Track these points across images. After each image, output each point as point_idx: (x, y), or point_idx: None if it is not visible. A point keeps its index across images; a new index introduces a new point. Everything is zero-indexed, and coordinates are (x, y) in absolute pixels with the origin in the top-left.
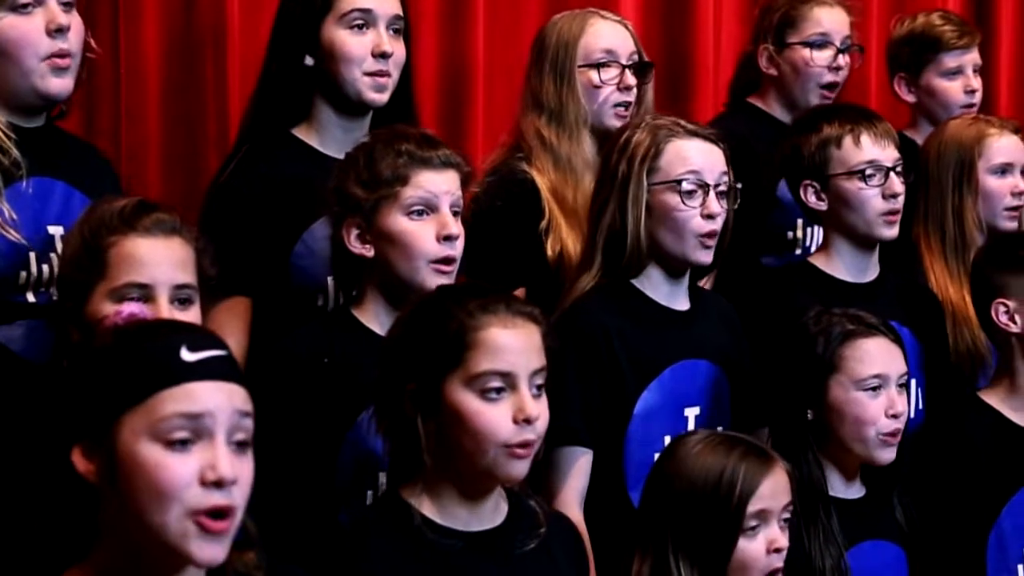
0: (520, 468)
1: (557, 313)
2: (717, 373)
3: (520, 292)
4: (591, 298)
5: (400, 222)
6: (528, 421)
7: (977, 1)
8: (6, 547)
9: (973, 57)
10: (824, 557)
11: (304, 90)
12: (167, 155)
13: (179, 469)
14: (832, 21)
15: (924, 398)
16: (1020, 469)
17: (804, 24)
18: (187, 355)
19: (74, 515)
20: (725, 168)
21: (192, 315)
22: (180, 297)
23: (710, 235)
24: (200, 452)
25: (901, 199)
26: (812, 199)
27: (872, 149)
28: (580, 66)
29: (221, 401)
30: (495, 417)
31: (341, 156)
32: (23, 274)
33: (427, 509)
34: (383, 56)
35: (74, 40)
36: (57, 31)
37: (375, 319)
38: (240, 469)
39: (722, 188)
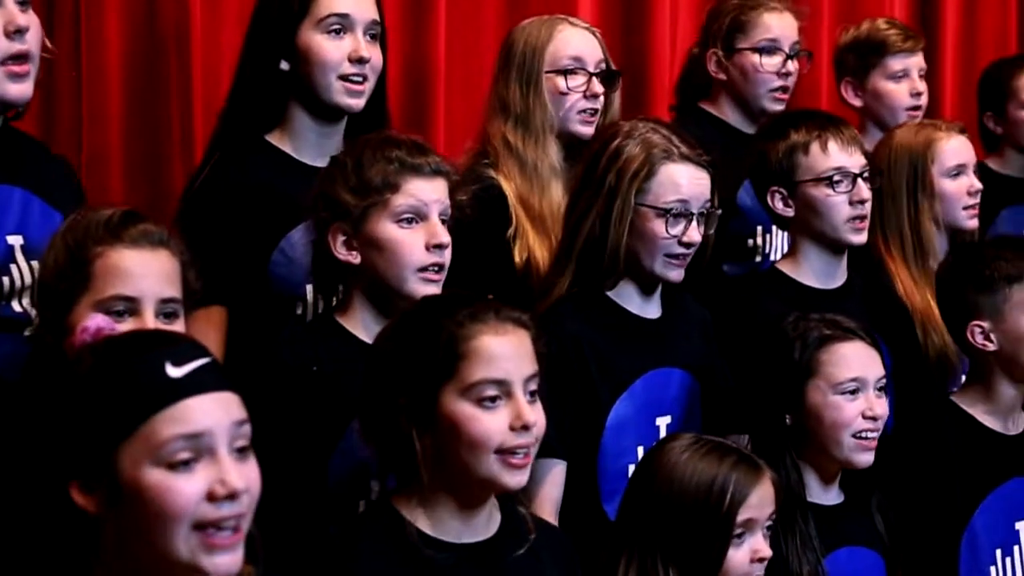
0: (519, 478)
1: None
2: (689, 381)
3: None
4: (563, 308)
5: (389, 229)
6: (526, 427)
7: (922, 8)
8: None
9: (918, 61)
10: (802, 563)
11: (279, 95)
12: (130, 160)
13: (187, 490)
14: (781, 27)
15: (893, 403)
16: (992, 472)
17: (753, 30)
18: (173, 371)
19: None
20: (710, 196)
21: (177, 330)
22: (166, 311)
23: (680, 257)
24: (205, 469)
25: (868, 205)
26: (779, 205)
27: (839, 155)
28: (547, 72)
29: (218, 416)
30: (492, 424)
31: (315, 162)
32: None
33: (422, 522)
34: (360, 61)
35: (32, 41)
36: (16, 32)
37: (361, 326)
38: (246, 476)
39: (704, 214)
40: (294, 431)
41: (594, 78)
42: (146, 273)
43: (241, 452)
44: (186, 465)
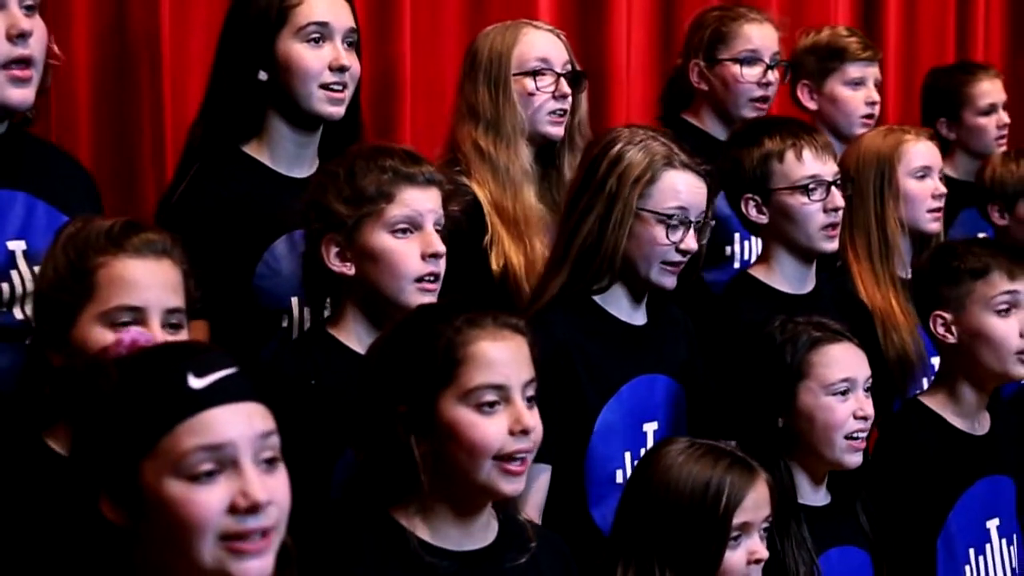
0: (516, 484)
1: None
2: (675, 387)
3: None
4: (552, 313)
5: (384, 239)
6: (525, 432)
7: (865, 18)
8: None
9: (875, 71)
10: (798, 564)
11: (256, 105)
12: (99, 170)
13: (207, 502)
14: (762, 37)
15: None
16: (964, 473)
17: (734, 41)
18: (195, 382)
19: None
20: (706, 206)
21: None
22: (171, 322)
23: (677, 264)
24: (227, 481)
25: (841, 212)
26: (753, 212)
27: (814, 164)
28: (515, 74)
29: (240, 428)
30: (491, 429)
31: (292, 173)
32: None
33: (421, 531)
34: (341, 69)
35: (36, 46)
36: (19, 36)
37: (355, 338)
38: (274, 487)
39: (700, 223)
40: (296, 443)
41: (562, 79)
42: (151, 283)
43: (269, 464)
44: (208, 476)
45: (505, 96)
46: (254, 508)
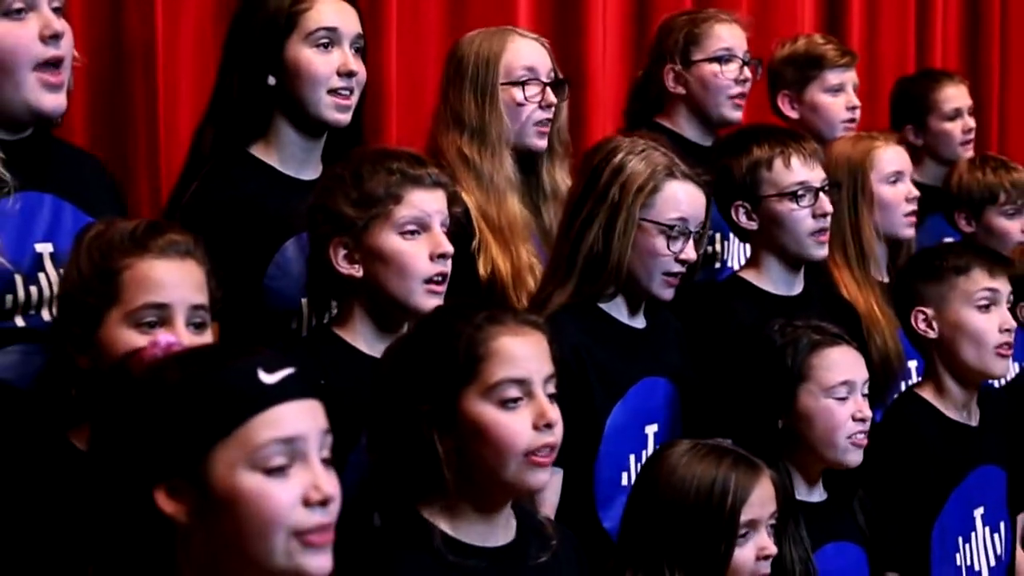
0: (542, 477)
1: None
2: (673, 389)
3: None
4: (562, 318)
5: (393, 241)
6: (549, 425)
7: (829, 27)
8: None
9: (853, 76)
10: (795, 560)
11: (264, 109)
12: None
13: (283, 496)
14: (733, 36)
15: None
16: (960, 462)
17: (707, 41)
18: (266, 377)
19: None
20: (703, 218)
21: (206, 340)
22: (196, 321)
23: (676, 275)
24: (298, 475)
25: (829, 218)
26: (743, 219)
27: (802, 170)
28: (503, 84)
29: (309, 423)
30: (516, 425)
31: (300, 175)
32: (9, 298)
33: (446, 526)
34: (349, 75)
35: (66, 47)
36: (52, 37)
37: (362, 339)
38: (334, 483)
39: (699, 234)
40: None
41: (547, 87)
42: (176, 282)
43: (325, 462)
44: (281, 471)
45: (492, 105)
46: (325, 501)
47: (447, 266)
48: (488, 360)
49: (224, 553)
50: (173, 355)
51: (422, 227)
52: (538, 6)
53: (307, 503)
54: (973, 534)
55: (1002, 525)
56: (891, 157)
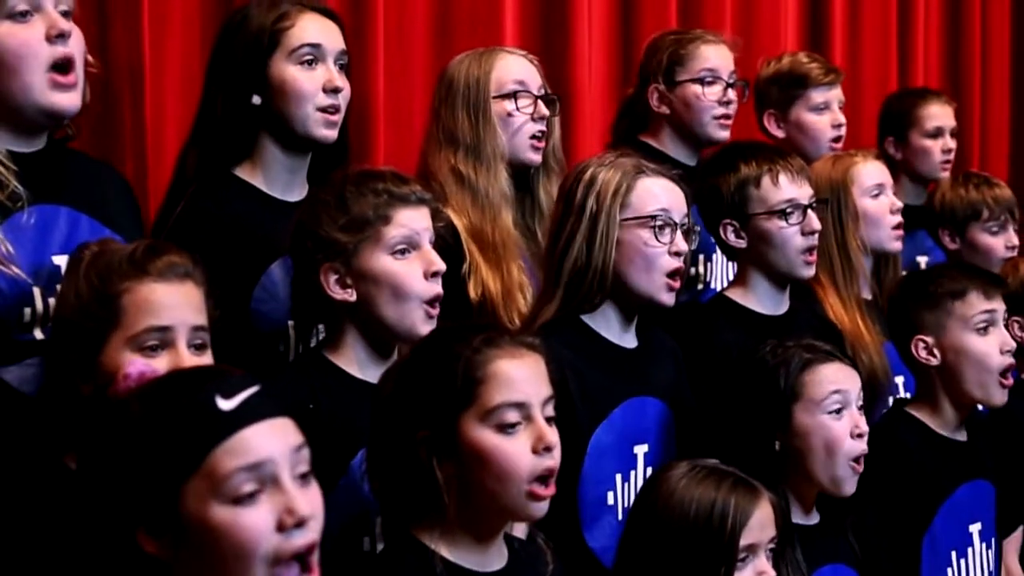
0: (542, 508)
1: None
2: (665, 410)
3: None
4: (545, 331)
5: (385, 262)
6: (548, 449)
7: (812, 45)
8: None
9: (838, 93)
10: None
11: (249, 129)
12: None
13: (255, 524)
14: (719, 57)
15: None
16: (948, 477)
17: (692, 62)
18: (224, 404)
19: None
20: (686, 210)
21: (206, 361)
22: (196, 343)
23: (677, 273)
24: (270, 500)
25: (818, 235)
26: (732, 237)
27: (790, 188)
28: (494, 97)
29: (275, 443)
30: (515, 451)
31: (285, 197)
32: (27, 311)
33: (446, 552)
34: (335, 91)
35: (76, 47)
36: (58, 36)
37: (355, 363)
38: (312, 500)
39: (686, 227)
40: None
41: (539, 100)
42: (177, 304)
43: (303, 478)
44: (251, 498)
45: (485, 119)
46: (301, 523)
47: (440, 286)
48: (486, 384)
49: None
50: (137, 388)
51: (412, 245)
52: (524, 25)
53: (281, 528)
54: (970, 549)
55: (994, 541)
56: (871, 171)
